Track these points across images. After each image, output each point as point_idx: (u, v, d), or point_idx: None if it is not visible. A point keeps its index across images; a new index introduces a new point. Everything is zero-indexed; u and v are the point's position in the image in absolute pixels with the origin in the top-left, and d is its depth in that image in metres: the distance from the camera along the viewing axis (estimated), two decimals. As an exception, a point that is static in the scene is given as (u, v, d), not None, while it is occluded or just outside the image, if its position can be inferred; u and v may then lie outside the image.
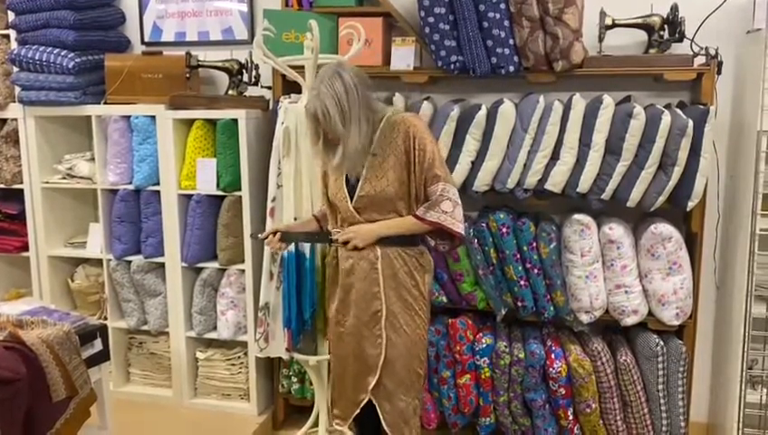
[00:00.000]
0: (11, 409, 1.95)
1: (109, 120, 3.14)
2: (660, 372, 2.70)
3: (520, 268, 2.76)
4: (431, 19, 2.68)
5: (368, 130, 2.09)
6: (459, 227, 2.13)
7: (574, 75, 2.70)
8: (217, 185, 3.01)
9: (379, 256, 2.18)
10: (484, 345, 2.83)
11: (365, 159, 2.13)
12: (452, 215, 2.12)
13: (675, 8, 2.64)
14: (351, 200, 2.17)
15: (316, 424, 2.87)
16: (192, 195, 3.04)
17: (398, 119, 2.16)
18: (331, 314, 2.32)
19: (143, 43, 3.41)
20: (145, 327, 3.26)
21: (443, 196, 2.12)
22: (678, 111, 2.58)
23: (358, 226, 2.19)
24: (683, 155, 2.53)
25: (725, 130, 2.84)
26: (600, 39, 2.71)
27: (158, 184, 3.09)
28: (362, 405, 2.26)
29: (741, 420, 2.63)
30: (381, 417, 2.23)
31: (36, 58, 3.08)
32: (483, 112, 2.69)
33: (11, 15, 3.19)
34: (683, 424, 2.75)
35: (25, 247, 3.37)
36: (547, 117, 2.65)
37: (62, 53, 3.06)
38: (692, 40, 2.68)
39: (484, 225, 2.76)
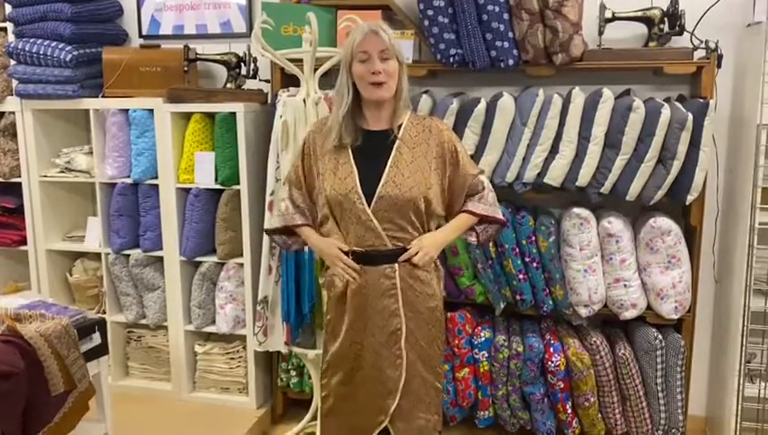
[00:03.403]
0: (9, 402, 1.95)
1: (107, 114, 3.13)
2: (659, 366, 2.71)
3: (519, 262, 2.76)
4: (430, 12, 2.67)
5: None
6: (501, 215, 2.20)
7: (574, 69, 2.69)
8: (216, 179, 3.00)
9: (396, 268, 2.05)
10: (483, 339, 2.83)
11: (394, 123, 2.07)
12: (496, 205, 2.18)
13: (675, 1, 2.63)
14: (370, 204, 1.99)
15: (315, 418, 2.87)
16: (190, 189, 3.03)
17: (430, 123, 2.11)
18: (341, 338, 2.10)
19: (141, 36, 3.40)
20: (143, 321, 3.26)
21: (485, 188, 2.15)
22: (678, 104, 2.57)
23: (426, 243, 2.05)
24: (682, 149, 2.53)
25: (725, 123, 2.84)
26: (600, 32, 2.70)
27: (156, 178, 3.08)
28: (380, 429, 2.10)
29: (739, 413, 2.64)
30: None
31: (33, 51, 3.06)
32: (482, 106, 2.69)
33: (8, 8, 3.18)
34: (681, 418, 2.76)
35: (23, 241, 3.37)
36: (546, 110, 2.64)
37: (60, 46, 3.04)
38: (692, 33, 2.67)
39: (483, 219, 2.76)
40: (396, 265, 2.04)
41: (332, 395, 2.16)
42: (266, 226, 2.58)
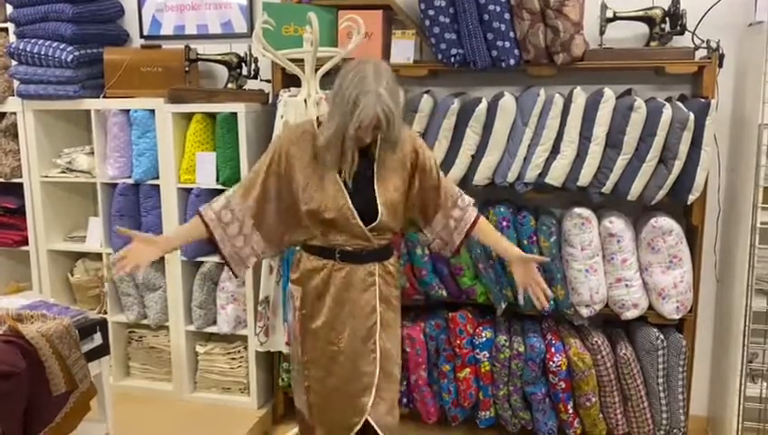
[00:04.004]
0: (10, 403, 1.95)
1: (108, 114, 3.13)
2: (660, 366, 2.70)
3: (520, 262, 2.76)
4: (431, 12, 2.67)
5: None
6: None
7: (575, 68, 2.69)
8: (217, 179, 3.00)
9: (376, 264, 2.08)
10: (484, 339, 2.82)
11: None
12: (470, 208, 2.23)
13: (676, 1, 2.63)
14: (363, 218, 1.99)
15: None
16: (192, 189, 3.03)
17: (410, 136, 2.12)
18: (317, 332, 2.10)
19: (142, 36, 3.40)
20: (145, 321, 3.26)
21: (459, 189, 2.21)
22: (679, 104, 2.57)
23: (534, 273, 2.11)
24: (684, 148, 2.52)
25: (726, 123, 2.84)
26: (601, 32, 2.70)
27: (157, 178, 3.08)
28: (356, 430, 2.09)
29: (741, 413, 2.64)
30: (376, 426, 2.09)
31: (35, 51, 3.06)
32: (483, 106, 2.69)
33: (9, 8, 3.18)
34: (683, 418, 2.75)
35: (25, 241, 3.37)
36: (547, 110, 2.64)
37: (61, 47, 3.04)
38: (693, 33, 2.67)
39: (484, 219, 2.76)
40: (376, 263, 2.07)
41: (312, 390, 2.15)
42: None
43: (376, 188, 2.01)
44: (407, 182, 2.09)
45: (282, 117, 2.64)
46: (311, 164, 2.02)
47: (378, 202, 2.01)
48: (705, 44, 2.61)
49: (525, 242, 2.73)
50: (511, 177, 2.73)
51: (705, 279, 2.84)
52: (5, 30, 3.31)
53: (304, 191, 2.01)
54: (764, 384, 2.66)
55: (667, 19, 2.68)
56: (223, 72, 3.20)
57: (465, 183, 2.81)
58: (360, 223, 2.00)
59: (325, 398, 2.13)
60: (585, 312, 2.77)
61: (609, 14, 2.70)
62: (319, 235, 2.06)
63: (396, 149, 2.01)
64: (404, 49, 2.86)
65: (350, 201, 1.98)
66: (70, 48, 3.04)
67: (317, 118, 2.10)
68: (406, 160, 2.07)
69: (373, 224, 2.01)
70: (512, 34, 2.66)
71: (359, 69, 1.88)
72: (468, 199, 2.21)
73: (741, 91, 2.76)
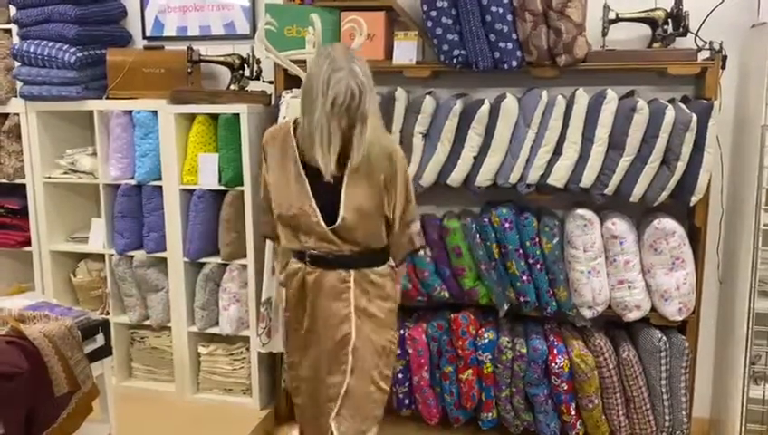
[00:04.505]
0: (12, 403, 1.95)
1: (111, 115, 3.13)
2: (663, 368, 2.70)
3: (522, 263, 2.75)
4: (434, 13, 2.67)
5: None
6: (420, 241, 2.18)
7: (577, 70, 2.69)
8: (219, 180, 3.00)
9: (352, 272, 2.01)
10: (487, 340, 2.82)
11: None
12: (416, 236, 2.15)
13: (679, 2, 2.63)
14: (326, 220, 1.95)
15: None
16: (194, 190, 3.03)
17: (390, 147, 2.02)
18: (301, 338, 2.10)
19: (145, 37, 3.40)
20: (147, 322, 3.27)
21: (416, 217, 2.15)
22: (682, 105, 2.57)
23: None
24: (686, 150, 2.52)
25: (729, 124, 2.83)
26: (604, 33, 2.70)
27: (159, 179, 3.08)
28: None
29: (744, 415, 2.63)
30: None
31: (38, 53, 3.07)
32: (485, 107, 2.68)
33: (12, 10, 3.19)
34: (685, 420, 2.75)
35: (27, 242, 3.37)
36: (550, 112, 2.64)
37: (64, 48, 3.05)
38: (696, 34, 2.67)
39: (486, 220, 2.76)
40: (351, 270, 2.01)
41: (296, 392, 2.17)
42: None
43: (343, 190, 1.95)
44: (381, 192, 2.00)
45: (284, 118, 2.65)
46: (281, 162, 2.02)
47: (341, 204, 1.95)
48: (707, 46, 2.61)
49: (528, 243, 2.73)
50: (513, 178, 2.72)
51: (707, 281, 2.84)
52: (9, 31, 3.31)
53: (276, 188, 2.03)
54: (767, 386, 2.65)
55: (669, 20, 2.67)
56: (225, 73, 3.20)
57: (467, 184, 2.81)
58: (323, 223, 1.96)
59: (305, 400, 2.14)
60: (587, 313, 2.76)
61: (612, 16, 2.69)
62: (290, 235, 2.03)
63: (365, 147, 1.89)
64: (406, 50, 2.86)
65: (312, 199, 1.95)
66: (73, 49, 3.05)
67: (295, 119, 2.04)
68: (380, 172, 1.98)
69: (334, 226, 1.96)
70: (514, 36, 2.66)
71: (327, 53, 1.85)
72: (419, 224, 2.17)
73: (744, 93, 2.75)
